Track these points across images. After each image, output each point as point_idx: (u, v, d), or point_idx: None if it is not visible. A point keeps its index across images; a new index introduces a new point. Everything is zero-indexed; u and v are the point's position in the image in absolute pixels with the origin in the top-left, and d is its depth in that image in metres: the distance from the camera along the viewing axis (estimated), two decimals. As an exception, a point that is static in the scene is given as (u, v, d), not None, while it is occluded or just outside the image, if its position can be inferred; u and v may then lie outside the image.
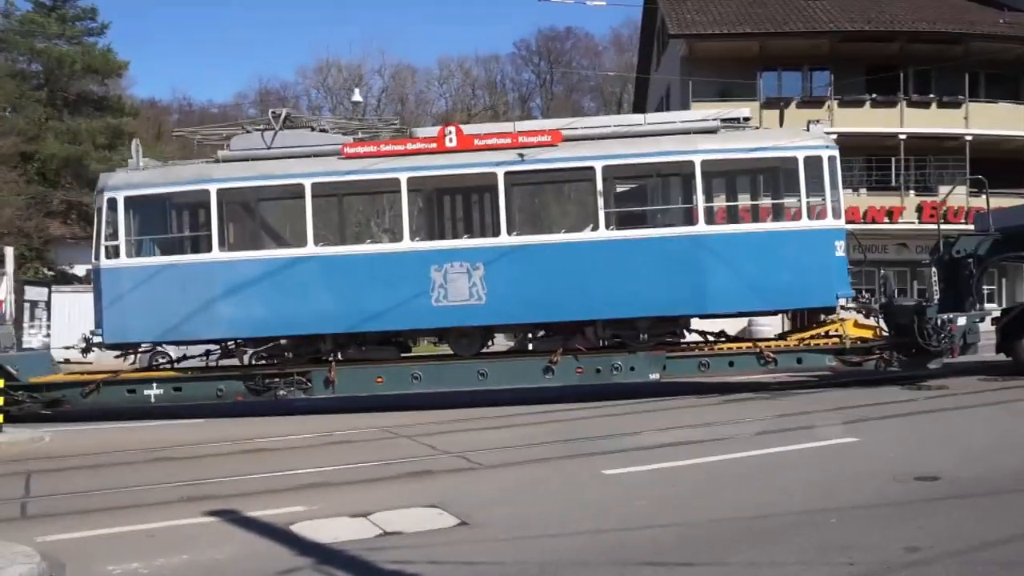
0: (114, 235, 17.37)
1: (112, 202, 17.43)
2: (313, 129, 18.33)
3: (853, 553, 6.69)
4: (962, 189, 37.37)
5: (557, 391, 17.54)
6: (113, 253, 17.36)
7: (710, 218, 18.07)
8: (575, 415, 15.79)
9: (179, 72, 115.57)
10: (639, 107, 47.67)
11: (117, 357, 19.00)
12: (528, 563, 7.05)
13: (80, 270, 48.64)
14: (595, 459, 11.31)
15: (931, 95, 37.96)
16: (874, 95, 35.80)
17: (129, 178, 17.72)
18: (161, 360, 20.39)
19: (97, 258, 17.57)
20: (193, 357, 19.08)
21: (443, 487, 10.09)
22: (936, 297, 17.52)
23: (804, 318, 20.79)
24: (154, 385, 17.56)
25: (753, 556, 6.94)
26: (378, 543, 7.72)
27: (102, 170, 41.95)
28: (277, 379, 17.40)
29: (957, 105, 36.52)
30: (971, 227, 36.10)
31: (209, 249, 17.42)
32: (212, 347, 18.66)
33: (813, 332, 18.23)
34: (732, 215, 19.46)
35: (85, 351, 18.25)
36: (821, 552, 6.85)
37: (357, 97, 43.86)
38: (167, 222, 18.72)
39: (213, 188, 17.27)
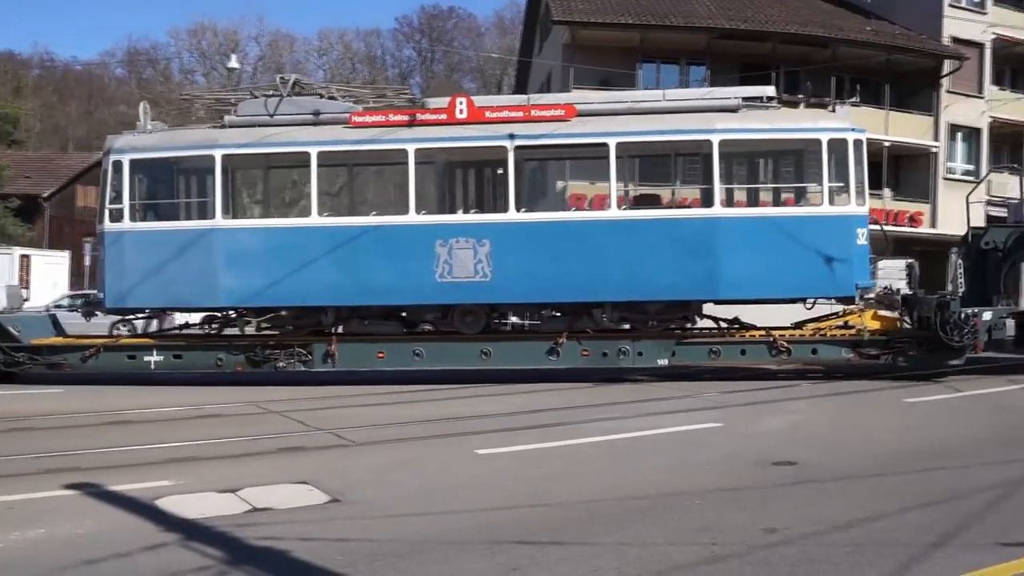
0: (118, 198, 15.77)
1: (117, 165, 15.80)
2: (322, 96, 16.64)
3: (716, 534, 6.30)
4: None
5: (436, 373, 15.81)
6: (117, 216, 15.77)
7: (727, 200, 16.10)
8: (448, 395, 14.36)
9: (41, 25, 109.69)
10: (520, 91, 46.13)
11: (117, 322, 17.59)
12: (401, 541, 6.25)
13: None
14: (468, 439, 10.26)
15: (800, 95, 39.51)
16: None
17: (135, 141, 16.15)
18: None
19: (101, 221, 15.95)
20: (195, 325, 17.77)
21: (314, 464, 9.01)
22: (960, 290, 15.68)
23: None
24: (154, 352, 16.10)
25: (621, 536, 6.31)
26: (247, 519, 6.83)
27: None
28: (277, 350, 15.84)
29: (824, 107, 39.11)
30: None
31: (213, 216, 15.79)
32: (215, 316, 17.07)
33: (830, 323, 16.39)
34: (751, 198, 17.40)
35: (87, 315, 17.05)
36: (686, 533, 6.38)
37: (233, 63, 41.39)
38: (172, 187, 16.98)
39: (218, 154, 15.77)
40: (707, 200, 15.69)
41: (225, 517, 6.91)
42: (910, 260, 17.13)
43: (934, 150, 35.89)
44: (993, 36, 36.42)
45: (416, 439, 10.49)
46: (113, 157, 15.96)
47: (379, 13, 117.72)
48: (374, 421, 11.64)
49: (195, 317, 18.04)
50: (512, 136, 15.47)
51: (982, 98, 36.76)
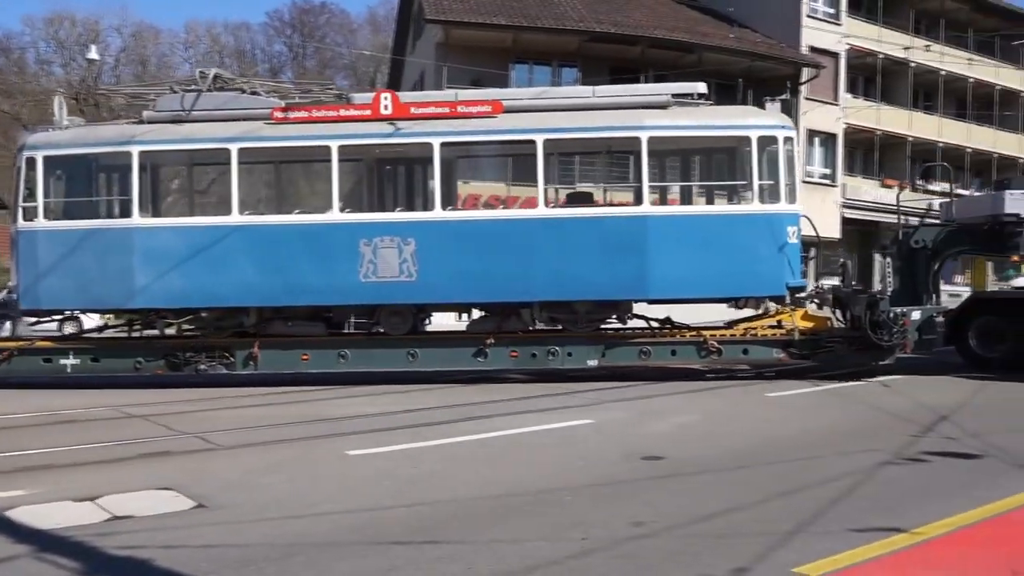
0: (31, 196, 14.75)
1: (31, 161, 14.78)
2: (243, 91, 15.64)
3: (587, 529, 6.16)
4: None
5: (299, 375, 15.07)
6: (30, 215, 14.72)
7: (659, 198, 15.50)
8: (318, 396, 13.61)
9: None
10: (393, 89, 47.71)
11: (32, 325, 16.47)
12: (271, 545, 5.86)
13: None
14: (339, 440, 9.71)
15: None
16: (617, 95, 37.98)
17: (50, 137, 15.11)
18: None
19: (15, 221, 14.86)
20: (115, 327, 16.58)
21: (179, 469, 8.31)
22: (890, 289, 15.24)
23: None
24: (71, 355, 15.12)
25: (495, 534, 6.13)
26: (107, 528, 6.32)
27: None
28: (198, 353, 14.98)
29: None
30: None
31: (130, 214, 14.77)
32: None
33: (761, 322, 15.74)
34: (682, 196, 16.70)
35: (2, 318, 16.03)
36: (558, 529, 6.20)
37: (93, 55, 39.45)
38: (88, 184, 15.82)
39: (135, 150, 14.79)
40: (637, 198, 14.99)
41: (83, 527, 6.32)
42: (843, 260, 16.65)
43: (794, 154, 37.24)
44: (847, 46, 38.17)
45: (286, 441, 9.71)
46: (26, 153, 14.91)
47: (249, 7, 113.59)
48: (242, 423, 10.82)
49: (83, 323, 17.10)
50: (437, 133, 14.76)
51: (837, 105, 38.41)
